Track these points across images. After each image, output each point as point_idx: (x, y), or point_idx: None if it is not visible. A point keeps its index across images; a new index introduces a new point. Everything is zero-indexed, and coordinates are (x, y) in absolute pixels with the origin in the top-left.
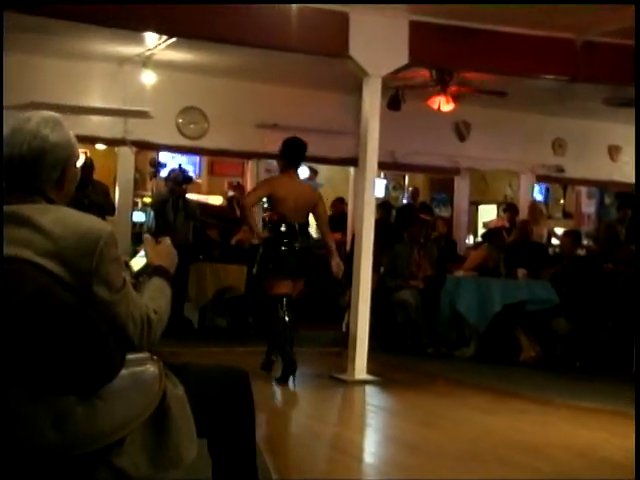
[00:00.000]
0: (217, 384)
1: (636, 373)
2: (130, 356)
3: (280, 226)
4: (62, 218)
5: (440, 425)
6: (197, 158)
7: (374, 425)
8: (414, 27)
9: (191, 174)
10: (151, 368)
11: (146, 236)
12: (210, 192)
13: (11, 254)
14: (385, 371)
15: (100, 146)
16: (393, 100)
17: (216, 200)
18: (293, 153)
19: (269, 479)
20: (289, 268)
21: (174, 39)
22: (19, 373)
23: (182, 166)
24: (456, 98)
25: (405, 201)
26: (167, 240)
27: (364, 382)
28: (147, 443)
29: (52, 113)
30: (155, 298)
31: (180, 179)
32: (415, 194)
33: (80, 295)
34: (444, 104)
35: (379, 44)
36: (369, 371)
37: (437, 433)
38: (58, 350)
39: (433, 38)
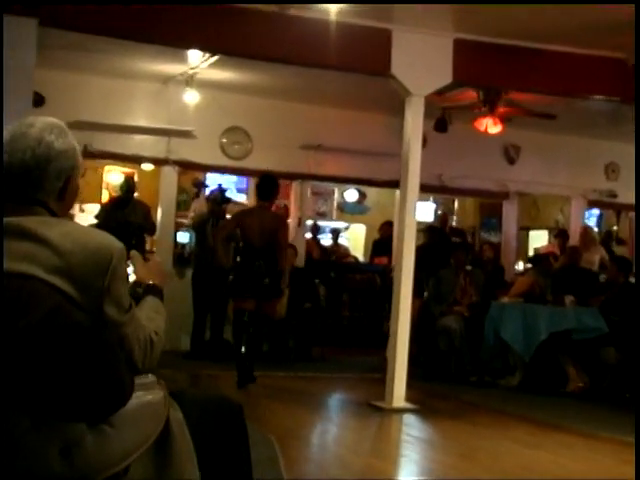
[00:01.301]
0: (211, 414)
1: (636, 393)
2: (138, 380)
3: (243, 251)
4: (70, 232)
5: (477, 458)
6: (244, 180)
7: (408, 456)
8: (458, 45)
9: (230, 195)
10: (158, 392)
11: (133, 252)
12: None
13: (18, 270)
14: (425, 399)
15: (147, 166)
16: (440, 122)
17: None
18: (262, 189)
19: None
20: (247, 287)
21: (217, 57)
22: (28, 399)
23: (222, 186)
24: (504, 120)
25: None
26: (155, 257)
27: (402, 410)
28: (150, 469)
29: (56, 119)
30: (152, 319)
31: (219, 199)
32: (444, 218)
33: (92, 315)
34: (491, 126)
35: (422, 63)
36: (409, 399)
37: (473, 467)
38: (71, 374)
39: (478, 57)
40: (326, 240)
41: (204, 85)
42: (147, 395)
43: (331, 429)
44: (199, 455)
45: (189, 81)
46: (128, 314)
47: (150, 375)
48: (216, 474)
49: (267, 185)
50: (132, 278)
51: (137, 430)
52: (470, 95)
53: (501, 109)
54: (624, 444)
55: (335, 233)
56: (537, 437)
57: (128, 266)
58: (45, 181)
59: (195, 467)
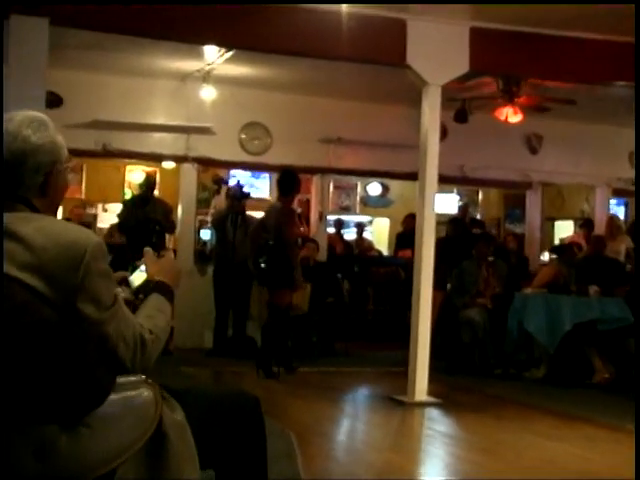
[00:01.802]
0: (223, 410)
1: (635, 382)
2: (121, 379)
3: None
4: (44, 227)
5: (499, 453)
6: (267, 176)
7: (428, 451)
8: (475, 33)
9: (248, 189)
10: (145, 392)
11: (146, 249)
12: None
13: None
14: (448, 393)
15: (168, 164)
16: (460, 112)
17: None
18: (281, 185)
19: None
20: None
21: (232, 53)
22: None
23: (240, 182)
24: (525, 110)
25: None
26: (170, 254)
27: (424, 404)
28: (142, 474)
29: (38, 113)
30: (152, 316)
31: (238, 195)
32: (465, 209)
33: (63, 312)
34: (512, 115)
35: (438, 52)
36: (431, 393)
37: (495, 461)
38: (39, 373)
39: (495, 45)
40: (350, 234)
41: (221, 81)
42: (133, 395)
43: (351, 424)
44: (214, 450)
45: (206, 77)
46: (109, 311)
47: (136, 374)
48: (232, 469)
49: (284, 181)
50: (144, 275)
51: (118, 432)
52: (490, 85)
53: (521, 98)
54: None
55: (360, 227)
56: (561, 430)
57: (141, 263)
58: (25, 176)
59: (195, 468)
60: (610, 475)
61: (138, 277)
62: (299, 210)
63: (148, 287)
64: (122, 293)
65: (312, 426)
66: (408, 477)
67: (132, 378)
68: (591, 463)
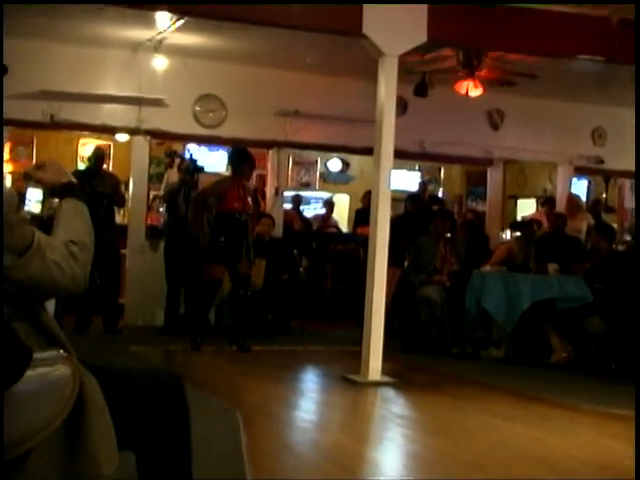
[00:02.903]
0: (144, 389)
1: (636, 374)
2: (37, 355)
3: None
4: None
5: (451, 433)
6: (223, 150)
7: (378, 432)
8: (433, 3)
9: (202, 163)
10: (62, 368)
11: (24, 172)
12: None
13: None
14: (404, 372)
15: (121, 137)
16: (420, 86)
17: None
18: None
19: None
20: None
21: (184, 21)
22: None
23: (193, 155)
24: (487, 85)
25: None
26: (46, 161)
27: (378, 384)
28: (58, 456)
29: None
30: (69, 225)
31: (191, 169)
32: (424, 186)
33: None
34: (472, 89)
35: (395, 22)
36: (386, 372)
37: (445, 442)
38: None
39: (454, 15)
40: (311, 211)
41: (174, 51)
42: (49, 372)
43: (301, 404)
44: (132, 431)
45: (157, 47)
46: (30, 251)
47: (55, 349)
48: (152, 450)
49: (230, 158)
50: (39, 192)
51: (33, 411)
52: (450, 58)
53: (482, 72)
54: (606, 416)
55: (329, 205)
56: (516, 410)
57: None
58: None
59: (114, 448)
60: (563, 455)
61: (37, 200)
62: (253, 186)
63: (56, 195)
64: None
65: (260, 406)
66: (356, 458)
67: (49, 353)
68: (544, 443)
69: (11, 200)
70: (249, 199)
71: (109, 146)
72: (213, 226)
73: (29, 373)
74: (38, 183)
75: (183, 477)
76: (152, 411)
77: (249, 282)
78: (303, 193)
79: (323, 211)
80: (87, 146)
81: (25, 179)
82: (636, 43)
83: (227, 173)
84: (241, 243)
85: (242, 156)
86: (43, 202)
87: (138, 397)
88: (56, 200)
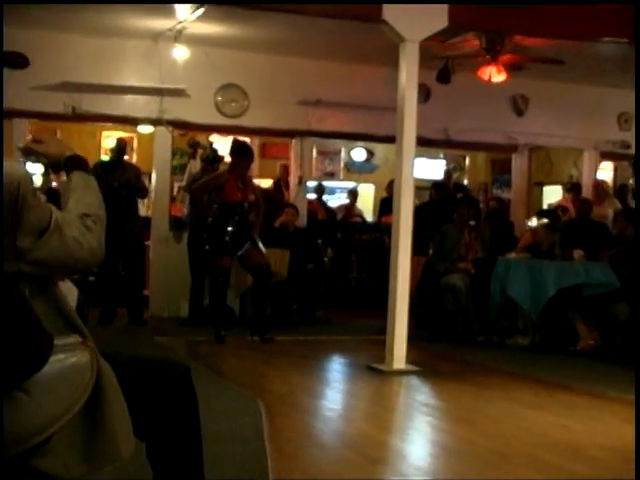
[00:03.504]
0: (152, 378)
1: (636, 370)
2: (57, 341)
3: None
4: None
5: (475, 421)
6: (249, 141)
7: (402, 420)
8: None
9: (222, 153)
10: (81, 354)
11: (23, 146)
12: (262, 175)
13: None
14: (429, 361)
15: (145, 128)
16: (442, 72)
17: (267, 183)
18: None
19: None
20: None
21: (204, 9)
22: None
23: (213, 145)
24: (511, 70)
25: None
26: (43, 134)
27: (403, 372)
28: (78, 438)
29: None
30: (81, 199)
31: (211, 158)
32: (449, 174)
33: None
34: (495, 74)
35: (416, 7)
36: (411, 361)
37: (470, 430)
38: None
39: None
40: (335, 201)
41: (194, 41)
42: (69, 358)
43: (325, 394)
44: (141, 424)
45: (178, 37)
46: (48, 230)
47: (74, 335)
48: (161, 440)
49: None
50: (40, 166)
51: (57, 397)
52: (473, 43)
53: (505, 56)
54: (630, 403)
55: (352, 194)
56: (542, 398)
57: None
58: None
59: (130, 433)
60: (588, 443)
61: (38, 174)
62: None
63: (57, 168)
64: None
65: (284, 396)
66: (381, 447)
67: (68, 339)
68: (569, 431)
69: (28, 182)
70: (250, 191)
71: (132, 138)
72: (215, 218)
73: (51, 359)
74: (42, 157)
75: (193, 466)
76: (159, 399)
77: (269, 270)
78: (327, 183)
79: (347, 201)
80: (110, 138)
81: (24, 154)
82: (636, 43)
83: None
84: (245, 233)
85: (243, 150)
86: (44, 177)
87: (145, 385)
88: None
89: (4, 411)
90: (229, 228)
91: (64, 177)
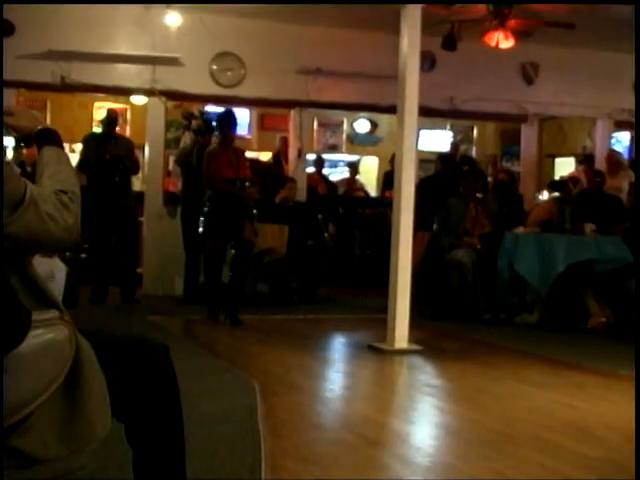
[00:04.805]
0: (131, 357)
1: (636, 360)
2: (35, 317)
3: None
4: None
5: (480, 401)
6: (247, 112)
7: (402, 402)
8: None
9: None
10: (60, 329)
11: None
12: (261, 148)
13: None
14: (433, 340)
15: (138, 99)
16: (448, 39)
17: (267, 156)
18: None
19: (258, 462)
20: None
21: None
22: None
23: (205, 115)
24: (518, 34)
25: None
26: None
27: (405, 352)
28: (56, 415)
29: None
30: (55, 175)
31: (202, 129)
32: (456, 147)
33: None
34: (503, 40)
35: None
36: (414, 340)
37: (473, 411)
38: None
39: None
40: (337, 175)
41: (188, 7)
42: (48, 333)
43: (323, 374)
44: (119, 404)
45: (170, 2)
46: (23, 204)
47: (52, 310)
48: (141, 421)
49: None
50: (11, 140)
51: (36, 373)
52: (480, 7)
53: (513, 21)
54: None
55: (353, 167)
56: (549, 377)
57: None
58: None
59: (108, 410)
60: (596, 423)
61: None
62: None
63: (28, 143)
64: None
65: (280, 376)
66: (381, 429)
67: (46, 314)
68: (577, 410)
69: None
70: (242, 165)
71: (125, 110)
72: (208, 198)
73: (29, 334)
74: (12, 131)
75: (174, 446)
76: (138, 379)
77: (251, 247)
78: (329, 156)
79: (349, 175)
80: (102, 110)
81: None
82: (636, 43)
83: (247, 135)
84: (240, 212)
85: (230, 119)
86: (15, 151)
87: (124, 364)
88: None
89: None
90: (221, 210)
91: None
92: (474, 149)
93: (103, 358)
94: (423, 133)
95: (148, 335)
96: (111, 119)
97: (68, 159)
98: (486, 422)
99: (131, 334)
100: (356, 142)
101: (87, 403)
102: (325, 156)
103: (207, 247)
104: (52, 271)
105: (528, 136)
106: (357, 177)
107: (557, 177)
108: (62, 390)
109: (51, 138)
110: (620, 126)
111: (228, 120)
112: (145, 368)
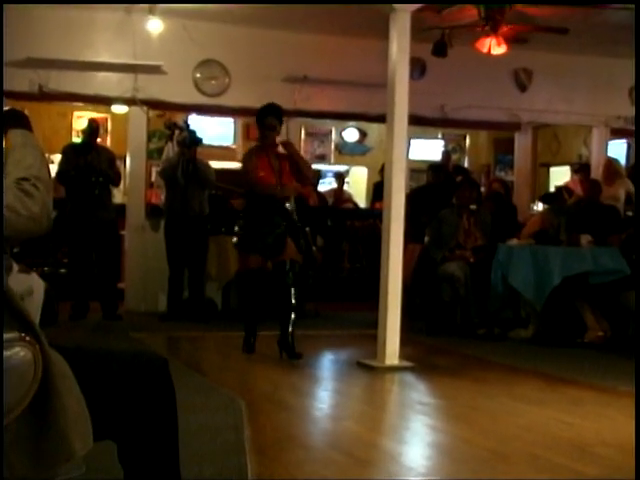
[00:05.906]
0: (124, 372)
1: (636, 367)
2: None
3: None
4: None
5: (473, 419)
6: (232, 122)
7: (391, 419)
8: None
9: (201, 135)
10: (22, 351)
11: None
12: None
13: None
14: (425, 356)
15: (119, 108)
16: (438, 45)
17: None
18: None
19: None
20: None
21: None
22: None
23: (190, 126)
24: (512, 42)
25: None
26: None
27: (395, 369)
28: (25, 433)
29: None
30: (20, 161)
31: (188, 141)
32: (447, 156)
33: None
34: (495, 46)
35: None
36: (405, 356)
37: (466, 429)
38: None
39: None
40: (326, 186)
41: (171, 13)
42: (7, 355)
43: (311, 392)
44: (111, 418)
45: (152, 8)
46: None
47: (13, 332)
48: (135, 439)
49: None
50: None
51: None
52: (471, 12)
53: (506, 27)
54: None
55: (340, 178)
56: (545, 393)
57: None
58: None
59: (88, 429)
60: (594, 440)
61: None
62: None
63: None
64: None
65: (267, 394)
66: (371, 449)
67: (7, 335)
68: (574, 428)
69: None
70: (286, 168)
71: (106, 119)
72: (245, 212)
73: None
74: None
75: (169, 466)
76: (133, 396)
77: (295, 266)
78: (317, 167)
79: (336, 185)
80: (82, 119)
81: None
82: (636, 43)
83: (232, 145)
84: (284, 229)
85: (261, 112)
86: None
87: (117, 381)
88: None
89: None
90: (267, 229)
91: None
92: (466, 158)
93: (91, 375)
94: (414, 142)
95: (147, 349)
96: (92, 129)
97: (35, 141)
98: (480, 441)
99: (128, 349)
100: (345, 151)
101: (59, 418)
102: (313, 167)
103: (241, 268)
104: (30, 286)
105: (522, 145)
106: (345, 188)
107: (552, 186)
108: (31, 407)
109: (17, 121)
110: (616, 134)
111: (260, 112)
112: (141, 383)
